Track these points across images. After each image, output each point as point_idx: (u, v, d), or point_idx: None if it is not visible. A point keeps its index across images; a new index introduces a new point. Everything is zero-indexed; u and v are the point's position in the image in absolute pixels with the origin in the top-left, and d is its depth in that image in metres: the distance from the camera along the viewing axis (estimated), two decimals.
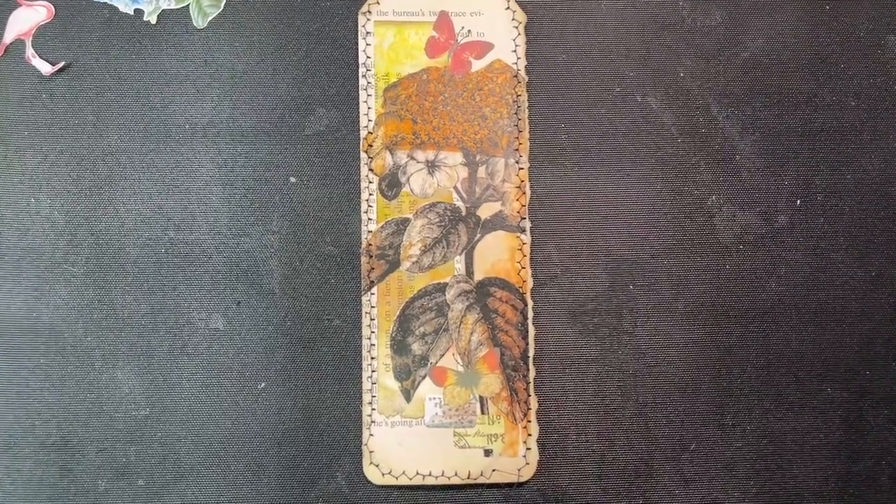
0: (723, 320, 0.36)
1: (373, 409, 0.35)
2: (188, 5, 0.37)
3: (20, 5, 0.37)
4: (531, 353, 0.35)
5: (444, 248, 0.35)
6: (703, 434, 0.35)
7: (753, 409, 0.36)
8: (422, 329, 0.35)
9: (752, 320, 0.36)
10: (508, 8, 0.36)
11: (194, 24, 0.37)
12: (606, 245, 0.36)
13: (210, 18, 0.37)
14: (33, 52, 0.36)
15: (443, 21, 0.36)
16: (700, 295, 0.36)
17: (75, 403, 0.35)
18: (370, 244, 0.35)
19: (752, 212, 0.36)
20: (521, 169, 0.36)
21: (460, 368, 0.35)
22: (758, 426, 0.36)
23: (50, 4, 0.37)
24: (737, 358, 0.36)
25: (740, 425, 0.36)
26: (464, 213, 0.36)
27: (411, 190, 0.36)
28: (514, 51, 0.36)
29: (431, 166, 0.36)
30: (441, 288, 0.35)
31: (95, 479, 0.35)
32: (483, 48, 0.36)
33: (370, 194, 0.36)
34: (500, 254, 0.35)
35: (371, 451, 0.34)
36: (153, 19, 0.37)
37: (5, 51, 0.36)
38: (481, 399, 0.35)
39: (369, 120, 0.36)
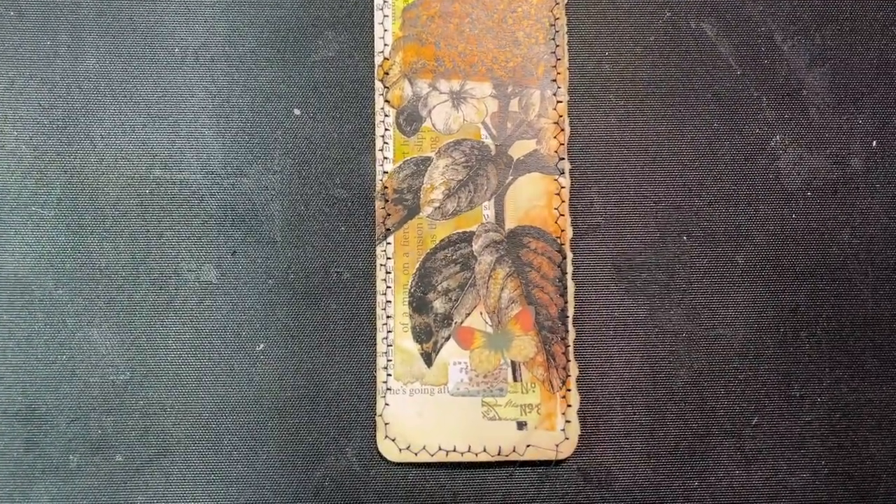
0: (789, 277, 0.34)
1: (388, 376, 0.33)
2: None
3: None
4: (570, 313, 0.33)
5: (470, 191, 0.33)
6: (767, 407, 0.33)
7: (824, 379, 0.34)
8: (445, 284, 0.33)
9: (822, 277, 0.34)
10: None
11: None
12: (656, 190, 0.34)
13: None
14: None
15: None
16: (762, 248, 0.34)
17: (43, 366, 0.33)
18: (386, 187, 0.33)
19: (822, 154, 0.34)
20: (559, 102, 0.34)
21: (489, 329, 0.33)
22: (829, 398, 0.34)
23: None
24: (805, 320, 0.34)
25: (809, 397, 0.34)
26: (493, 153, 0.34)
27: (433, 125, 0.34)
28: None
29: (456, 98, 0.34)
30: (467, 237, 0.33)
31: (66, 453, 0.33)
32: None
33: (386, 130, 0.34)
34: (534, 199, 0.33)
35: (386, 424, 0.32)
36: None
37: None
38: (513, 364, 0.33)
39: (385, 44, 0.34)
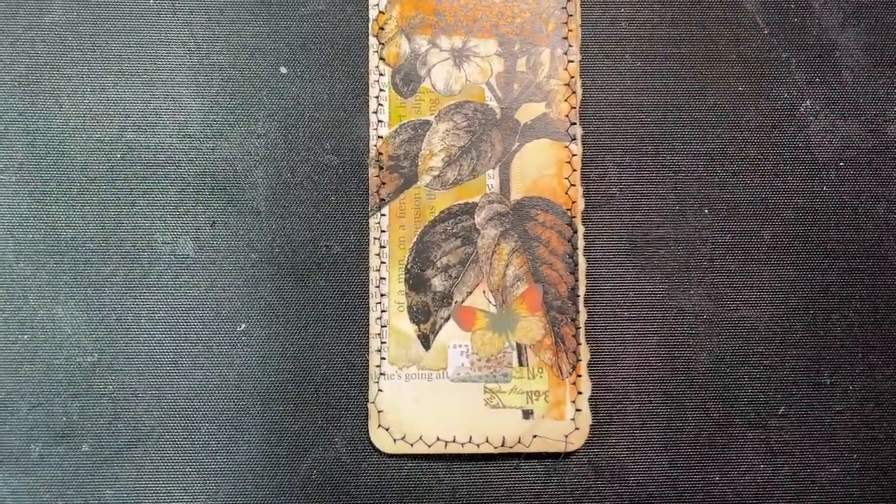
0: (819, 254, 0.33)
1: (382, 359, 0.32)
2: None
3: None
4: (581, 292, 0.32)
5: (473, 159, 0.32)
6: (795, 395, 0.33)
7: (857, 365, 0.33)
8: (444, 260, 0.32)
9: (855, 254, 0.33)
10: None
11: None
12: (675, 159, 0.33)
13: None
14: None
15: None
16: (791, 223, 0.33)
17: (3, 347, 0.32)
18: (380, 153, 0.32)
19: (856, 121, 0.33)
20: (570, 62, 0.33)
21: (492, 309, 0.32)
22: (862, 385, 0.33)
23: None
24: (837, 301, 0.33)
25: (841, 384, 0.33)
26: (499, 116, 0.33)
27: (433, 86, 0.33)
28: None
29: (458, 56, 0.33)
30: (469, 209, 0.32)
31: (27, 442, 0.32)
32: None
33: (381, 90, 0.33)
34: (543, 168, 0.32)
35: (379, 412, 0.32)
36: None
37: None
38: (519, 347, 0.32)
39: None
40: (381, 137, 0.32)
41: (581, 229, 0.32)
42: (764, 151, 0.33)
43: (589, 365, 0.32)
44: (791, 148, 0.33)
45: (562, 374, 0.31)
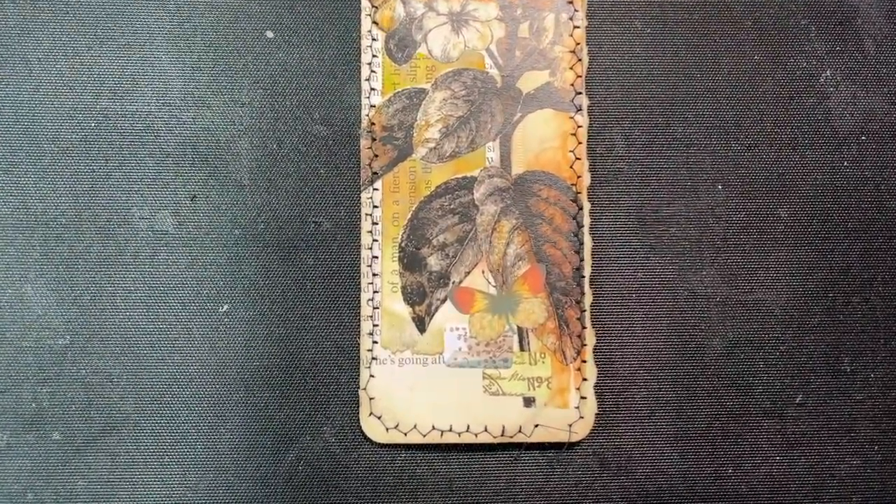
0: (840, 233, 0.33)
1: (374, 343, 0.31)
2: None
3: None
4: (587, 272, 0.32)
5: (472, 130, 0.32)
6: (813, 382, 0.32)
7: (879, 351, 0.32)
8: (441, 238, 0.32)
9: (878, 233, 0.32)
10: None
11: None
12: (687, 132, 0.33)
13: None
14: None
15: None
16: (809, 200, 0.32)
17: None
18: (373, 123, 0.32)
19: (878, 93, 0.33)
20: (576, 28, 0.32)
21: (492, 290, 0.32)
22: (884, 373, 0.32)
23: None
24: (858, 283, 0.32)
25: (862, 371, 0.32)
26: (499, 85, 0.32)
27: (429, 52, 0.32)
28: None
29: (457, 20, 0.32)
30: (468, 184, 0.32)
31: None
32: None
33: (374, 56, 0.32)
34: (547, 140, 0.32)
35: (371, 399, 0.31)
36: None
37: None
38: (520, 331, 0.31)
39: None
40: (374, 107, 0.32)
41: (587, 206, 0.32)
42: (781, 124, 0.33)
43: (594, 350, 0.31)
44: (810, 120, 0.33)
45: (565, 359, 0.31)
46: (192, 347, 0.31)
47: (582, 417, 0.31)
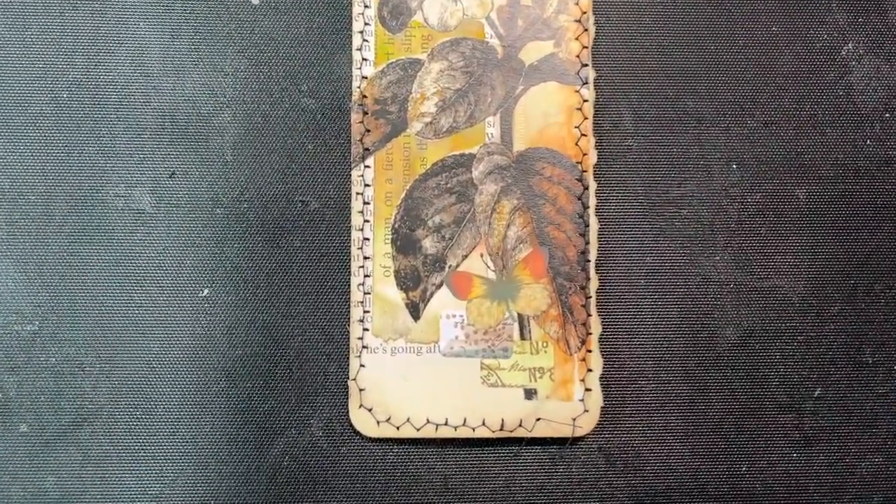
0: (862, 216, 0.32)
1: (365, 330, 0.31)
2: None
3: None
4: (592, 256, 0.31)
5: (470, 104, 0.32)
6: (833, 375, 0.32)
7: None
8: (437, 219, 0.31)
9: None
10: None
11: None
12: (699, 106, 0.32)
13: None
14: None
15: None
16: (830, 180, 0.32)
17: None
18: (365, 96, 0.31)
19: None
20: None
21: (491, 275, 0.31)
22: None
23: None
24: (881, 269, 0.32)
25: (884, 363, 0.32)
26: (500, 56, 0.32)
27: (425, 20, 0.32)
28: None
29: None
30: (466, 161, 0.31)
31: None
32: None
33: (366, 24, 0.32)
34: (550, 115, 0.32)
35: (361, 390, 0.31)
36: None
37: None
38: (520, 318, 0.31)
39: None
40: (366, 78, 0.31)
41: (592, 185, 0.31)
42: (800, 100, 0.32)
43: (600, 339, 0.31)
44: (830, 96, 0.32)
45: (569, 348, 0.31)
46: (170, 334, 0.31)
47: (586, 411, 0.31)
